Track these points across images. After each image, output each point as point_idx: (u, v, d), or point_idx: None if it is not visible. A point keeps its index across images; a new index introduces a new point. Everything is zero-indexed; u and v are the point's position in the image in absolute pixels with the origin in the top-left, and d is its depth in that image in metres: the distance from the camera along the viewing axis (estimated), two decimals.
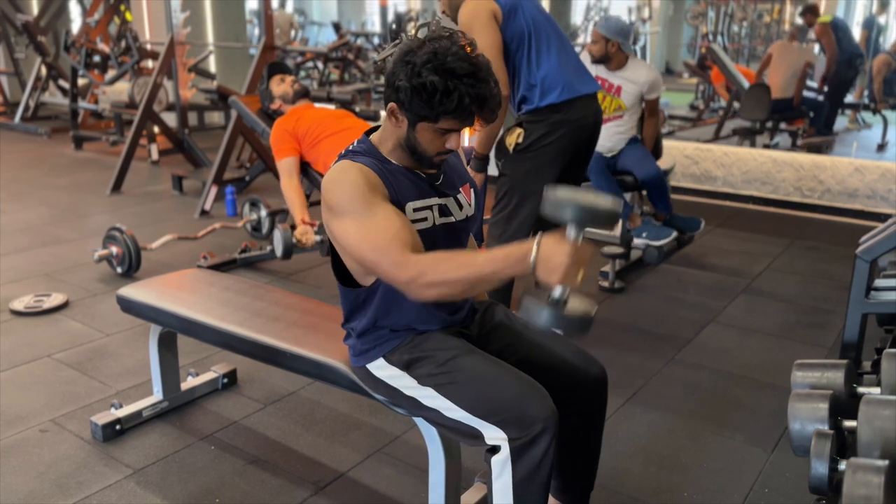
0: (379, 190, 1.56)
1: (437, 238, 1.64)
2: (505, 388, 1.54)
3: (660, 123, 4.27)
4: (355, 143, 1.68)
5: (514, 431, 1.51)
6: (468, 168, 1.94)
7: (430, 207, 1.64)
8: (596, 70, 3.82)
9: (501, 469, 1.53)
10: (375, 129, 1.70)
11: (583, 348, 1.77)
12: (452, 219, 1.69)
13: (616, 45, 3.75)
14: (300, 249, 3.57)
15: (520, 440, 1.50)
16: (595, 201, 1.41)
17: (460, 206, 1.71)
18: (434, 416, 1.65)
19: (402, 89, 1.51)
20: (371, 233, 1.51)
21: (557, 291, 1.40)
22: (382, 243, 1.49)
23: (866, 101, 7.07)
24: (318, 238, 3.54)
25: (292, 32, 9.09)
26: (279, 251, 3.56)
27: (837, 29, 6.51)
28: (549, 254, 1.37)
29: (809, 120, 6.46)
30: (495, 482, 1.55)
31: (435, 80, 1.47)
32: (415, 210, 1.61)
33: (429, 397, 1.62)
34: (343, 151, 1.66)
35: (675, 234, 3.96)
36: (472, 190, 1.77)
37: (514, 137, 2.67)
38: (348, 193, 1.54)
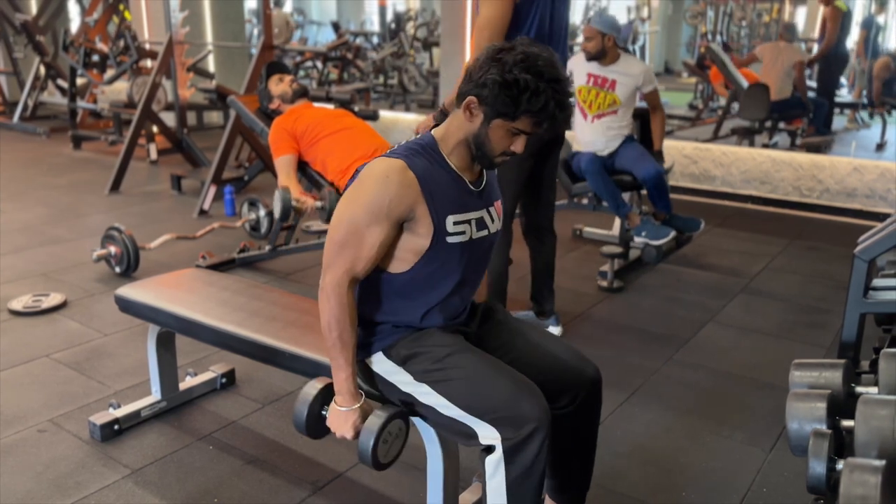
0: (398, 209, 1.57)
1: (468, 253, 1.67)
2: (499, 387, 1.55)
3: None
4: (418, 138, 1.70)
5: (507, 431, 1.52)
6: None
7: (468, 221, 1.66)
8: (588, 67, 3.81)
9: (495, 469, 1.54)
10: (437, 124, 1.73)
11: (577, 349, 1.77)
12: (487, 232, 1.71)
13: (612, 40, 3.75)
14: (298, 221, 3.48)
15: (513, 440, 1.51)
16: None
17: (493, 220, 1.74)
18: (430, 414, 1.65)
19: (490, 83, 1.53)
20: (345, 240, 1.59)
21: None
22: (341, 256, 1.60)
23: (864, 101, 7.08)
24: (318, 204, 3.46)
25: (290, 32, 9.07)
26: (277, 211, 3.49)
27: (846, 21, 6.52)
28: (331, 419, 1.70)
29: (809, 119, 6.46)
30: (489, 482, 1.56)
31: (527, 78, 1.51)
32: (454, 223, 1.63)
33: (424, 394, 1.63)
34: (402, 144, 1.67)
35: (673, 233, 3.95)
36: (501, 207, 1.80)
37: None
38: (366, 200, 1.58)
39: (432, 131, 1.70)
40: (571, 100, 1.59)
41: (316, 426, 1.75)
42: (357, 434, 1.67)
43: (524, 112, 1.54)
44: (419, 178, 1.59)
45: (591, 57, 3.77)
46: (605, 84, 3.80)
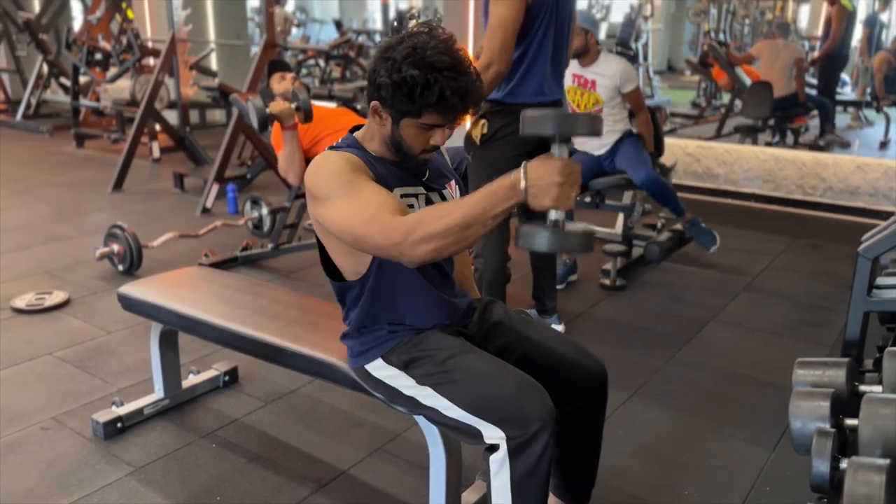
0: (363, 170, 1.56)
1: None
2: (503, 387, 1.54)
3: (660, 119, 4.19)
4: (339, 141, 1.69)
5: (512, 430, 1.51)
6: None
7: (416, 195, 1.64)
8: (572, 68, 3.74)
9: (500, 467, 1.54)
10: (358, 127, 1.71)
11: (582, 345, 1.77)
12: None
13: (593, 36, 3.72)
14: (299, 207, 3.38)
15: (518, 439, 1.50)
16: (572, 113, 1.38)
17: (445, 201, 1.71)
18: (433, 415, 1.65)
19: (384, 86, 1.51)
20: (357, 207, 1.48)
21: (553, 214, 1.36)
22: (370, 213, 1.45)
23: (868, 98, 7.06)
24: (293, 106, 3.33)
25: (288, 28, 9.06)
26: (254, 121, 3.34)
27: (851, 20, 6.51)
28: (538, 176, 1.33)
29: (821, 118, 6.44)
30: (493, 480, 1.56)
31: (415, 73, 1.47)
32: (402, 196, 1.61)
33: (427, 396, 1.63)
34: (328, 147, 1.67)
35: (714, 245, 3.93)
36: (457, 186, 1.78)
37: (479, 129, 2.69)
38: (330, 176, 1.53)
39: (354, 134, 1.68)
40: (474, 81, 1.51)
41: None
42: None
43: (423, 107, 1.50)
44: (361, 158, 1.58)
45: (575, 55, 3.71)
46: (587, 84, 3.76)
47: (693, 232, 3.94)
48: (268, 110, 3.32)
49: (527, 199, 1.34)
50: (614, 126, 3.84)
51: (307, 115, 3.34)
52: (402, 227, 1.42)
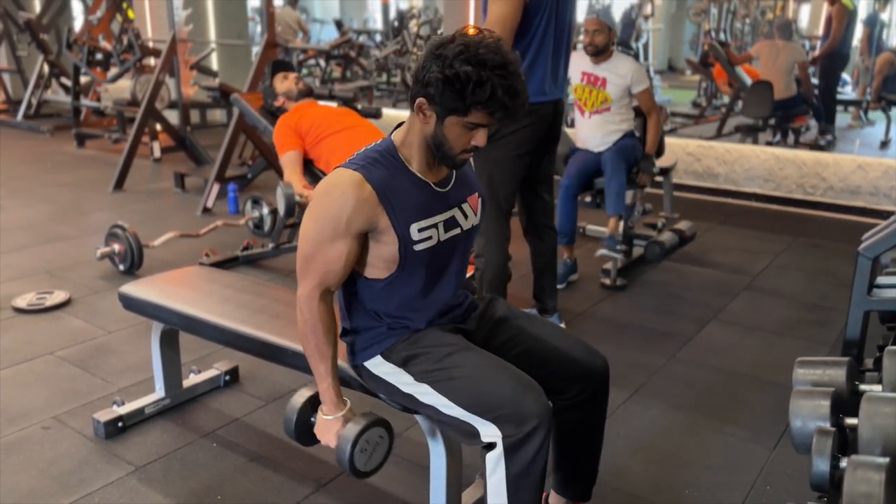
0: (357, 223, 1.57)
1: (440, 254, 1.66)
2: (500, 385, 1.55)
3: (661, 119, 4.16)
4: (376, 144, 1.67)
5: (508, 428, 1.52)
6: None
7: (434, 226, 1.65)
8: (582, 65, 3.74)
9: (495, 465, 1.54)
10: (400, 124, 1.69)
11: (585, 341, 1.77)
12: (458, 230, 1.70)
13: (615, 35, 3.72)
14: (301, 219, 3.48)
15: (514, 437, 1.51)
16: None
17: (466, 216, 1.72)
18: (431, 413, 1.65)
19: (434, 82, 1.50)
20: (312, 255, 1.62)
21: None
22: (310, 269, 1.63)
23: (868, 98, 7.07)
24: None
25: (293, 34, 9.06)
26: (281, 207, 3.47)
27: (852, 19, 6.51)
28: (319, 426, 1.73)
29: (822, 119, 6.44)
30: (490, 478, 1.56)
31: (468, 70, 1.47)
32: (419, 231, 1.62)
33: (425, 394, 1.63)
34: (360, 152, 1.65)
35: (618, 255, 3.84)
36: (479, 199, 1.78)
37: None
38: (325, 216, 1.59)
39: (392, 135, 1.68)
40: (523, 82, 1.53)
41: (305, 433, 1.77)
42: None
43: (473, 104, 1.50)
44: (377, 190, 1.57)
45: (597, 51, 3.70)
46: (597, 82, 3.74)
47: (609, 244, 3.83)
48: (297, 198, 3.42)
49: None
50: (619, 126, 3.80)
51: None
52: (301, 310, 1.67)
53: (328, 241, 1.58)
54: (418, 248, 1.62)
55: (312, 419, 1.76)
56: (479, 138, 1.58)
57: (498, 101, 1.50)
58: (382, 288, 1.66)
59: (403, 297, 1.67)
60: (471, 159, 1.84)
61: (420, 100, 1.55)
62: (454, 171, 1.71)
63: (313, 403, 1.75)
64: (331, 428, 1.70)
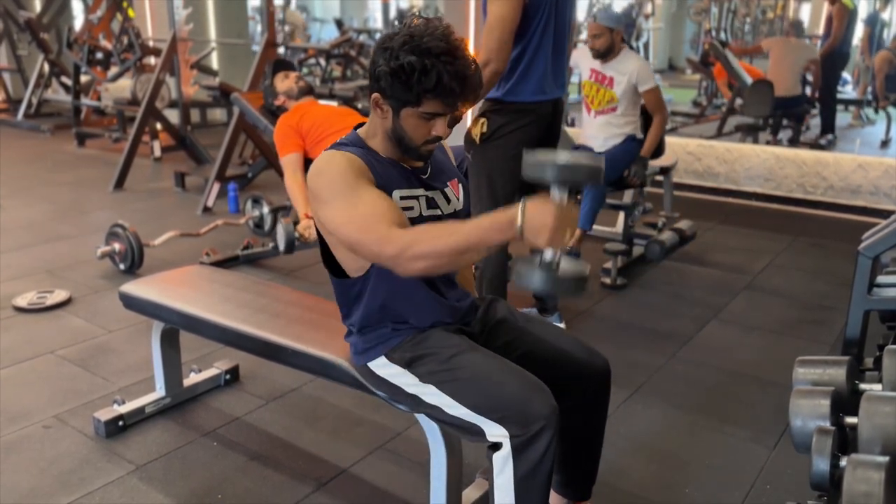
0: (365, 175, 1.56)
1: None
2: (506, 386, 1.55)
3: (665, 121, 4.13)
4: (343, 138, 1.68)
5: (515, 428, 1.51)
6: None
7: (416, 197, 1.64)
8: (591, 62, 3.74)
9: (503, 466, 1.54)
10: (362, 125, 1.71)
11: (585, 342, 1.77)
12: (439, 212, 1.68)
13: (620, 35, 3.70)
14: (303, 245, 3.56)
15: (521, 437, 1.50)
16: (575, 159, 1.39)
17: (448, 200, 1.71)
18: (436, 413, 1.65)
19: (382, 75, 1.51)
20: (357, 213, 1.50)
21: (548, 254, 1.40)
22: (368, 222, 1.48)
23: (869, 97, 7.06)
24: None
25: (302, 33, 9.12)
26: (282, 245, 3.56)
27: (852, 18, 6.51)
28: (534, 216, 1.36)
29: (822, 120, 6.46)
30: (497, 479, 1.56)
31: (412, 59, 1.47)
32: (401, 198, 1.61)
33: (430, 395, 1.63)
34: (329, 146, 1.67)
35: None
36: (460, 185, 1.78)
37: (479, 128, 2.68)
38: (333, 179, 1.54)
39: (357, 131, 1.69)
40: (471, 66, 1.52)
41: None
42: None
43: (422, 94, 1.50)
44: (361, 157, 1.58)
45: (599, 55, 3.69)
46: (605, 81, 3.72)
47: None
48: (296, 234, 3.47)
49: (522, 237, 1.38)
50: (622, 129, 3.77)
51: None
52: (399, 241, 1.45)
53: (355, 195, 1.50)
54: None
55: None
56: (439, 128, 1.57)
57: (445, 87, 1.49)
58: (377, 276, 1.64)
59: (399, 287, 1.65)
60: (448, 151, 1.84)
61: (374, 95, 1.56)
62: (429, 164, 1.70)
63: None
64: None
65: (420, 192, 1.66)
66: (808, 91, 6.55)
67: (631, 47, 7.55)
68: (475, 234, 1.43)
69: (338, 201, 1.52)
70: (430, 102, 1.52)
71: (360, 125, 1.72)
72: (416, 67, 1.47)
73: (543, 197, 1.39)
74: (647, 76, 3.69)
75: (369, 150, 1.64)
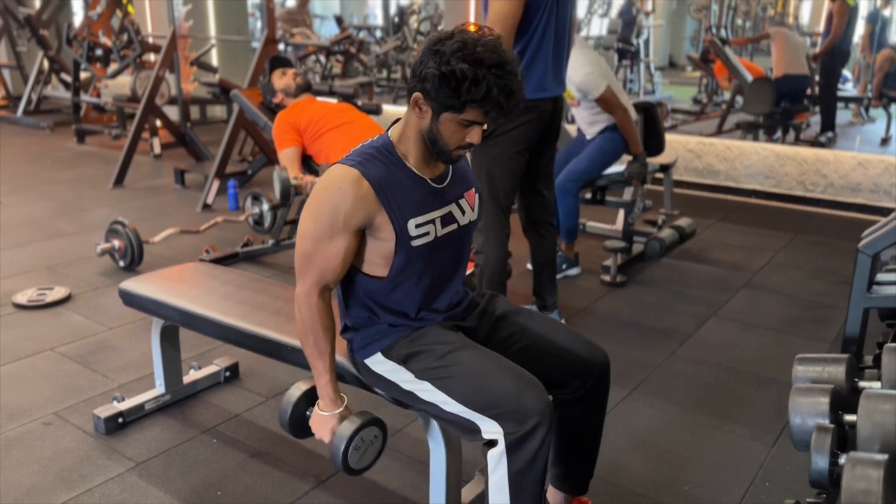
0: (355, 219, 1.58)
1: (438, 249, 1.67)
2: (501, 383, 1.55)
3: (661, 116, 4.12)
4: (373, 140, 1.67)
5: (510, 425, 1.52)
6: None
7: (432, 221, 1.65)
8: None
9: (497, 462, 1.55)
10: (397, 120, 1.70)
11: (584, 336, 1.78)
12: (455, 226, 1.70)
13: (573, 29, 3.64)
14: (300, 203, 3.45)
15: (515, 434, 1.51)
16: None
17: (463, 212, 1.73)
18: (432, 410, 1.66)
19: (430, 77, 1.50)
20: (311, 250, 1.62)
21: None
22: (308, 267, 1.64)
23: (869, 94, 7.06)
24: (317, 181, 3.41)
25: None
26: (277, 191, 3.43)
27: (853, 16, 6.51)
28: (314, 422, 1.74)
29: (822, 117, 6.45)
30: (491, 475, 1.57)
31: (465, 67, 1.47)
32: (416, 226, 1.63)
33: (426, 391, 1.63)
34: (357, 148, 1.66)
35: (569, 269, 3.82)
36: (476, 195, 1.78)
37: None
38: (323, 213, 1.59)
39: (388, 131, 1.68)
40: (519, 82, 1.53)
41: (300, 427, 1.78)
42: None
43: (468, 102, 1.51)
44: (375, 186, 1.58)
45: None
46: None
47: (563, 260, 3.78)
48: (293, 181, 3.39)
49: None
50: (597, 117, 3.71)
51: None
52: (301, 302, 1.67)
53: (326, 239, 1.59)
54: (416, 243, 1.62)
55: (308, 412, 1.76)
56: (474, 136, 1.58)
57: (493, 100, 1.50)
58: (381, 284, 1.67)
59: (402, 294, 1.67)
60: (468, 156, 1.85)
61: (416, 94, 1.56)
62: (451, 167, 1.71)
63: (310, 397, 1.76)
64: (326, 424, 1.70)
65: (436, 214, 1.66)
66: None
67: (631, 44, 7.43)
68: (314, 370, 1.71)
69: (313, 230, 1.62)
70: (472, 111, 1.53)
71: (396, 121, 1.69)
72: (468, 76, 1.47)
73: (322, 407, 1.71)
74: (590, 87, 3.48)
75: (396, 160, 1.63)
